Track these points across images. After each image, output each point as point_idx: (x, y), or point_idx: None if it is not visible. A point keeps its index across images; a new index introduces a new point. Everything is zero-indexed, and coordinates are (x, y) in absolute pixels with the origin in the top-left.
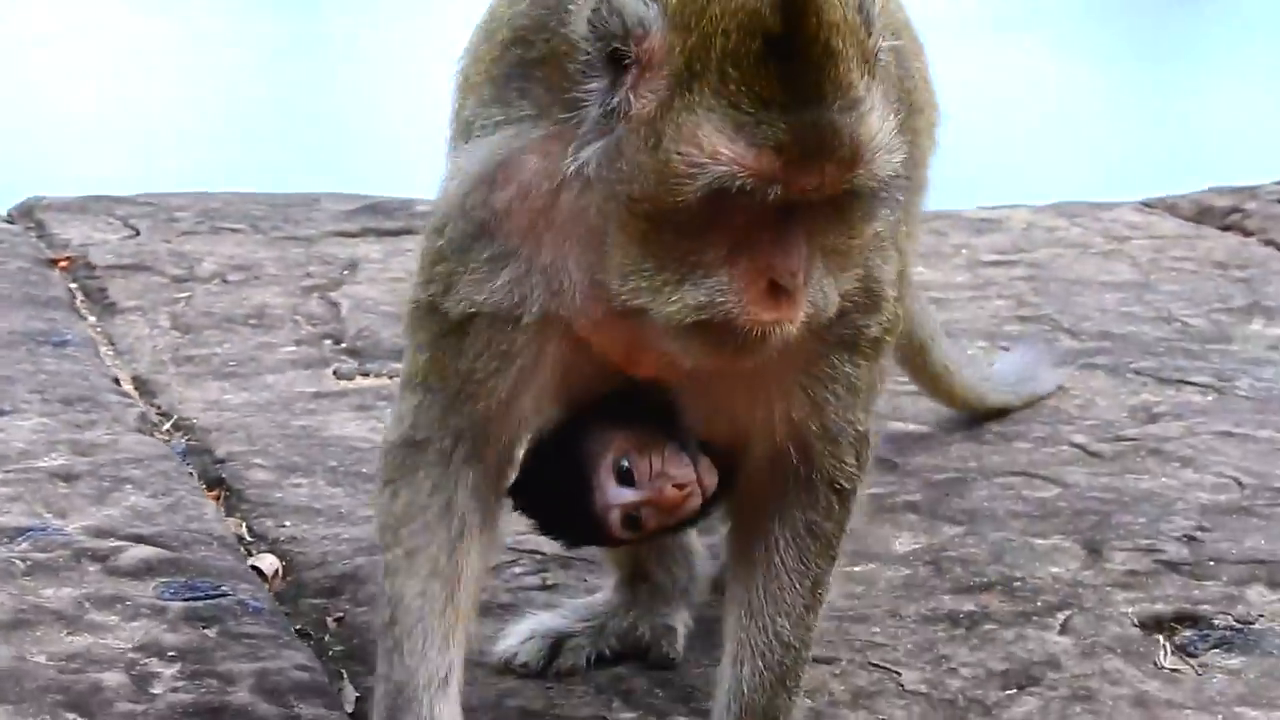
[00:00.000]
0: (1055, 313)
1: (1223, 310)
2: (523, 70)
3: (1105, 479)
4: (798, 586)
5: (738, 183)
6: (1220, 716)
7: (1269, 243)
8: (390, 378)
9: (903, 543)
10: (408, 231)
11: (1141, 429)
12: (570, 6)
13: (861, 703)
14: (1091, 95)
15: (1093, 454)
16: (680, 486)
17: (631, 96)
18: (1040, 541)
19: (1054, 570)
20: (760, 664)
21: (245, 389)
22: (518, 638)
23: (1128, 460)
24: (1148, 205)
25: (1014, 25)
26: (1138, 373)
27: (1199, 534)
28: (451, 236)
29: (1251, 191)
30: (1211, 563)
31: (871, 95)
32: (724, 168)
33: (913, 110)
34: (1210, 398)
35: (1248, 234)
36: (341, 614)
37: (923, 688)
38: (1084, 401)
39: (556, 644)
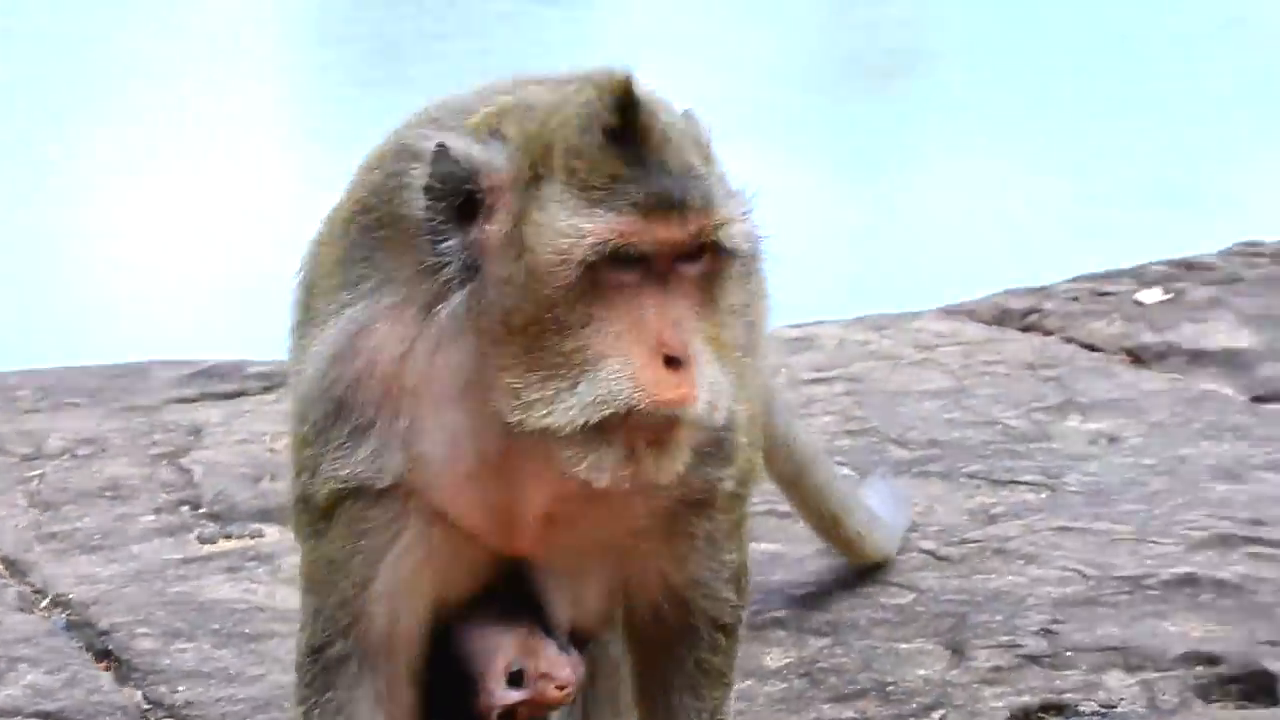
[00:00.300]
0: (881, 425)
1: (1039, 409)
2: (367, 240)
3: (957, 581)
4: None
5: (608, 249)
6: None
7: (1069, 340)
8: (252, 538)
9: (773, 658)
10: (243, 393)
11: (983, 530)
12: (411, 170)
13: None
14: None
15: (941, 558)
16: (561, 686)
17: (486, 229)
18: (905, 646)
19: (921, 673)
20: None
21: (114, 560)
22: None
23: (974, 561)
24: (948, 312)
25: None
26: (970, 476)
27: (1054, 626)
28: (314, 420)
29: (1046, 291)
30: (1069, 653)
31: (713, 174)
32: (590, 239)
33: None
34: (1043, 495)
35: (1048, 333)
36: None
37: None
38: (924, 509)
39: None
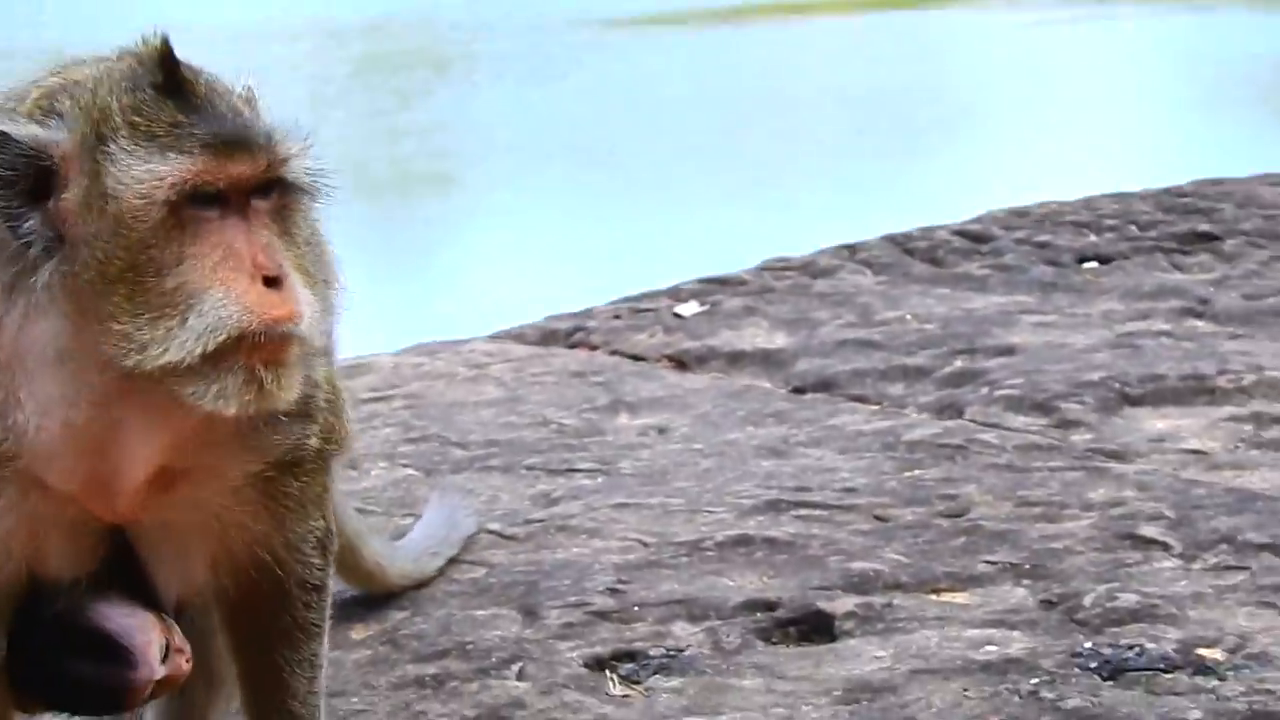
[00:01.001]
0: (440, 431)
1: (590, 410)
2: None
3: (524, 555)
4: (299, 671)
5: (188, 187)
6: None
7: (615, 352)
8: None
9: (356, 631)
10: None
11: (546, 511)
12: None
13: None
14: None
15: (508, 537)
16: (189, 660)
17: (64, 198)
18: (481, 612)
19: (498, 633)
20: None
21: None
22: None
23: (540, 539)
24: (495, 337)
25: None
26: (529, 468)
27: (620, 586)
28: None
29: (589, 313)
30: (636, 608)
31: (267, 116)
32: (169, 179)
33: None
34: (599, 480)
35: (593, 348)
36: None
37: None
38: (489, 497)
39: None
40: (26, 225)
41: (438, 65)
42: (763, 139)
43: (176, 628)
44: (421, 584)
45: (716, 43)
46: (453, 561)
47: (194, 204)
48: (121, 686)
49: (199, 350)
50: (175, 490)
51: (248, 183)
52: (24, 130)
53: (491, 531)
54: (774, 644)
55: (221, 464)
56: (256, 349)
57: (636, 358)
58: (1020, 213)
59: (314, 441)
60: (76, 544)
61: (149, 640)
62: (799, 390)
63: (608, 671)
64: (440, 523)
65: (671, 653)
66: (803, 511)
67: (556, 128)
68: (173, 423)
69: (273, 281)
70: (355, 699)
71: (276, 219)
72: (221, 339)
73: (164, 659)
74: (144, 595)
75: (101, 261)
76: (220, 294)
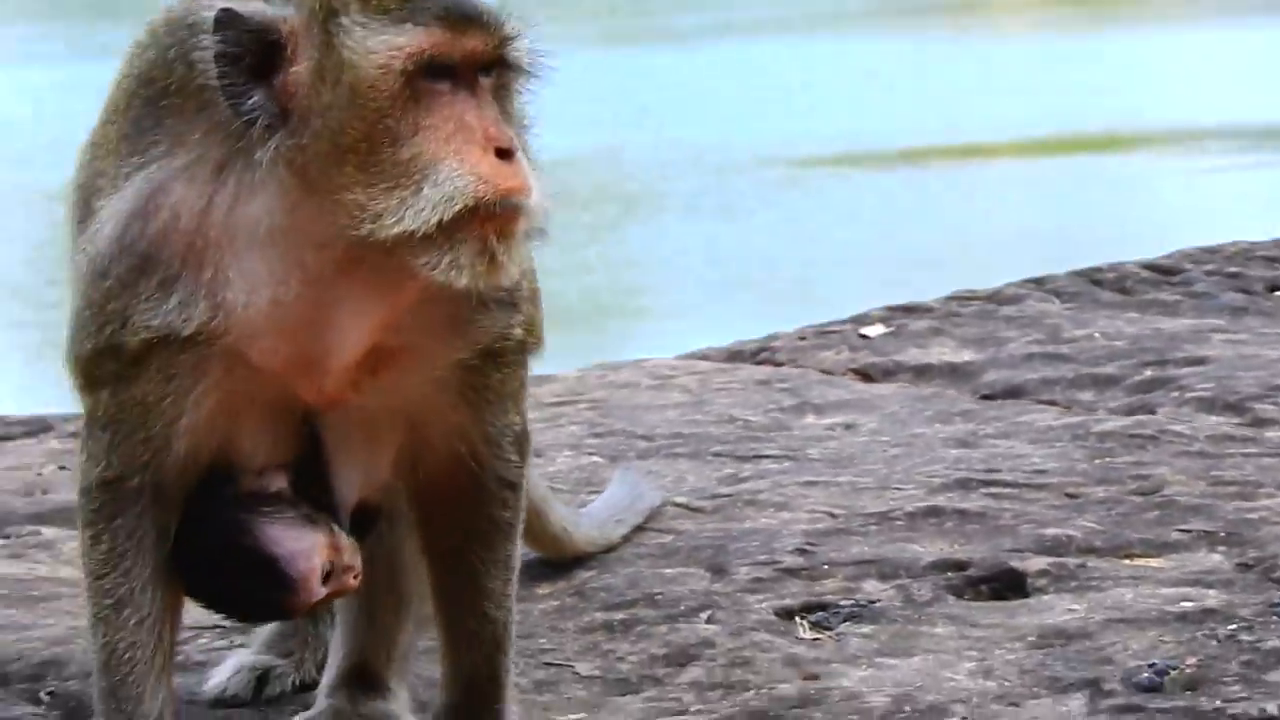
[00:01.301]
0: (627, 426)
1: (777, 410)
2: (152, 112)
3: (712, 525)
4: (493, 571)
5: (424, 58)
6: (864, 665)
7: (799, 365)
8: (31, 535)
9: (543, 587)
10: (4, 439)
11: (733, 488)
12: (196, 40)
13: (545, 689)
14: None
15: (695, 509)
16: (357, 576)
17: (291, 72)
18: (669, 570)
19: (687, 587)
20: (475, 640)
21: None
22: (226, 673)
23: (728, 511)
24: (680, 357)
25: None
26: (716, 454)
27: (808, 548)
28: (117, 275)
29: (774, 337)
30: (826, 566)
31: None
32: (407, 49)
33: None
34: (786, 464)
35: (779, 364)
36: (52, 689)
37: (596, 673)
38: (675, 478)
39: (263, 675)
40: (251, 101)
41: (628, 202)
42: (946, 277)
43: (346, 544)
44: (606, 550)
45: (899, 181)
46: (638, 530)
47: (427, 76)
48: (278, 606)
49: (435, 219)
50: (382, 374)
51: (478, 59)
52: (251, 7)
53: (678, 504)
54: (965, 599)
55: (431, 348)
56: (490, 220)
57: (822, 370)
58: (1211, 250)
59: (518, 332)
60: (271, 429)
61: (312, 567)
62: (987, 397)
63: (798, 619)
64: (625, 494)
65: (862, 604)
66: (993, 489)
67: (745, 263)
68: (390, 300)
69: (504, 154)
70: (543, 640)
71: (497, 98)
72: (458, 208)
73: (327, 579)
74: (323, 499)
75: (335, 132)
76: (456, 164)
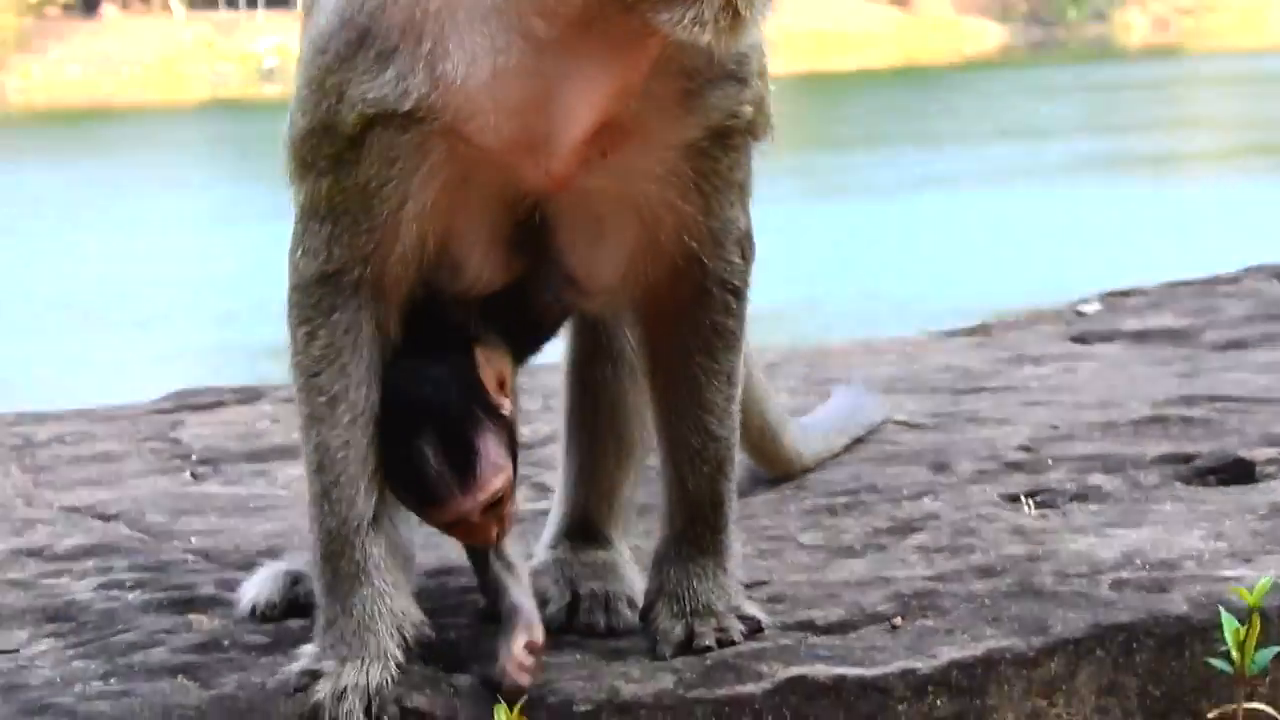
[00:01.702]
0: (841, 377)
1: (994, 361)
2: None
3: (934, 436)
4: (715, 383)
5: None
6: (1091, 534)
7: (1015, 332)
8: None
9: (759, 493)
10: (220, 404)
11: (955, 408)
12: None
13: (768, 556)
14: None
15: (916, 426)
16: (502, 530)
17: None
18: (890, 469)
19: (910, 479)
20: (698, 460)
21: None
22: (256, 586)
23: (949, 426)
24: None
25: None
26: (935, 390)
27: (1031, 446)
28: (336, 49)
29: (985, 324)
30: (1050, 461)
31: None
32: None
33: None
34: (1005, 393)
35: (988, 335)
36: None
37: (820, 542)
38: (894, 405)
39: (296, 577)
40: None
41: None
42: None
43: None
44: (825, 461)
45: None
46: (857, 442)
47: None
48: (440, 497)
49: None
50: (611, 155)
51: None
52: None
53: (899, 421)
54: (1193, 485)
55: (661, 124)
56: None
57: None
58: None
59: (748, 109)
60: (494, 219)
61: (493, 487)
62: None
63: (1022, 498)
64: (846, 407)
65: (1087, 490)
66: (1217, 403)
67: None
68: (622, 69)
69: None
70: (764, 520)
71: None
72: None
73: (489, 509)
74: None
75: None
76: None
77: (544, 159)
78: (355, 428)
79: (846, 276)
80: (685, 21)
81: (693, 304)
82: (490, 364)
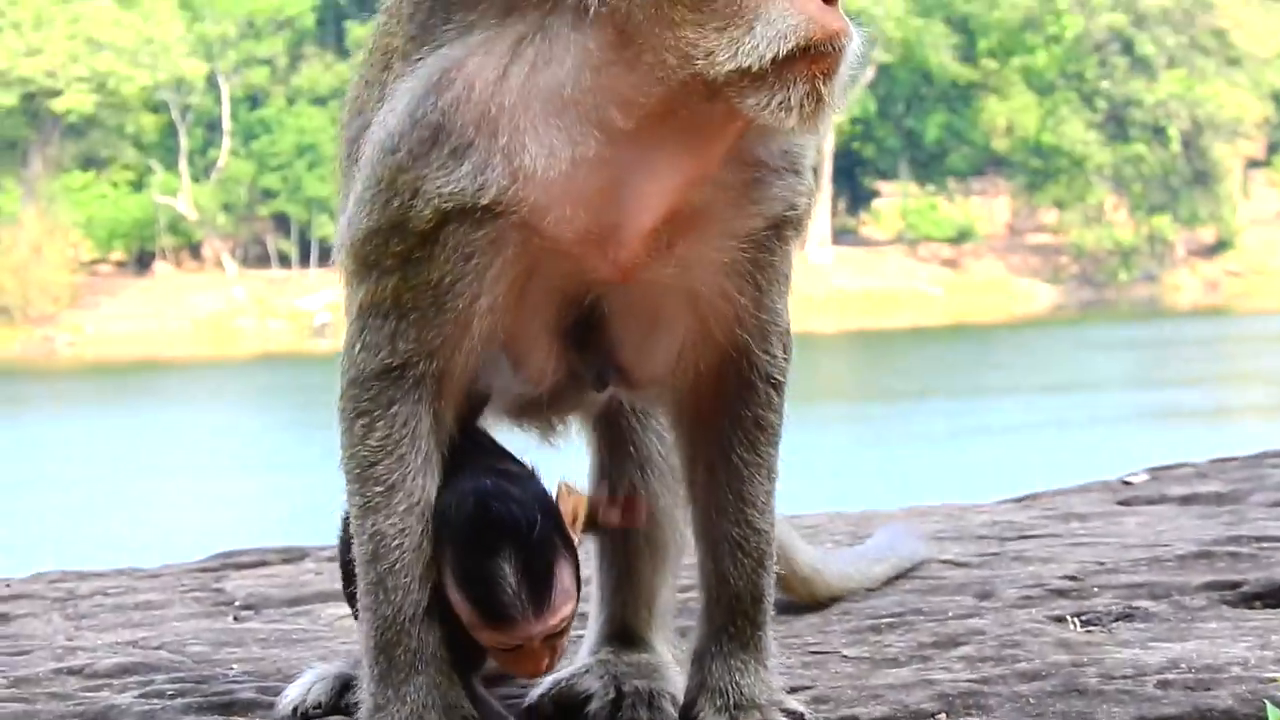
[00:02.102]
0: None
1: (1039, 518)
2: (441, 7)
3: (979, 572)
4: (757, 476)
5: None
6: (1136, 648)
7: (1061, 497)
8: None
9: (806, 612)
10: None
11: (1000, 549)
12: None
13: (812, 667)
14: None
15: (961, 564)
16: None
17: None
18: (935, 597)
19: (955, 606)
20: (739, 553)
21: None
22: (304, 685)
23: (994, 564)
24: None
25: None
26: (979, 537)
27: (1078, 576)
28: (408, 148)
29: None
30: (1096, 589)
31: None
32: None
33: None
34: (1049, 538)
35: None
36: None
37: (865, 654)
38: (939, 549)
39: (346, 682)
40: None
41: None
42: None
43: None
44: (862, 589)
45: None
46: (899, 577)
47: None
48: (508, 620)
49: (769, 56)
50: (677, 245)
51: None
52: None
53: (944, 560)
54: (1239, 609)
55: (728, 214)
56: (817, 60)
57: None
58: None
59: (804, 200)
60: (556, 312)
61: (561, 615)
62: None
63: (1068, 618)
64: (887, 541)
65: (1133, 610)
66: (1267, 543)
67: None
68: (696, 158)
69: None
70: (809, 638)
71: None
72: (790, 46)
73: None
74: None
75: None
76: (786, 4)
77: (613, 249)
78: (411, 516)
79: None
80: (772, 106)
81: (736, 397)
82: (570, 495)
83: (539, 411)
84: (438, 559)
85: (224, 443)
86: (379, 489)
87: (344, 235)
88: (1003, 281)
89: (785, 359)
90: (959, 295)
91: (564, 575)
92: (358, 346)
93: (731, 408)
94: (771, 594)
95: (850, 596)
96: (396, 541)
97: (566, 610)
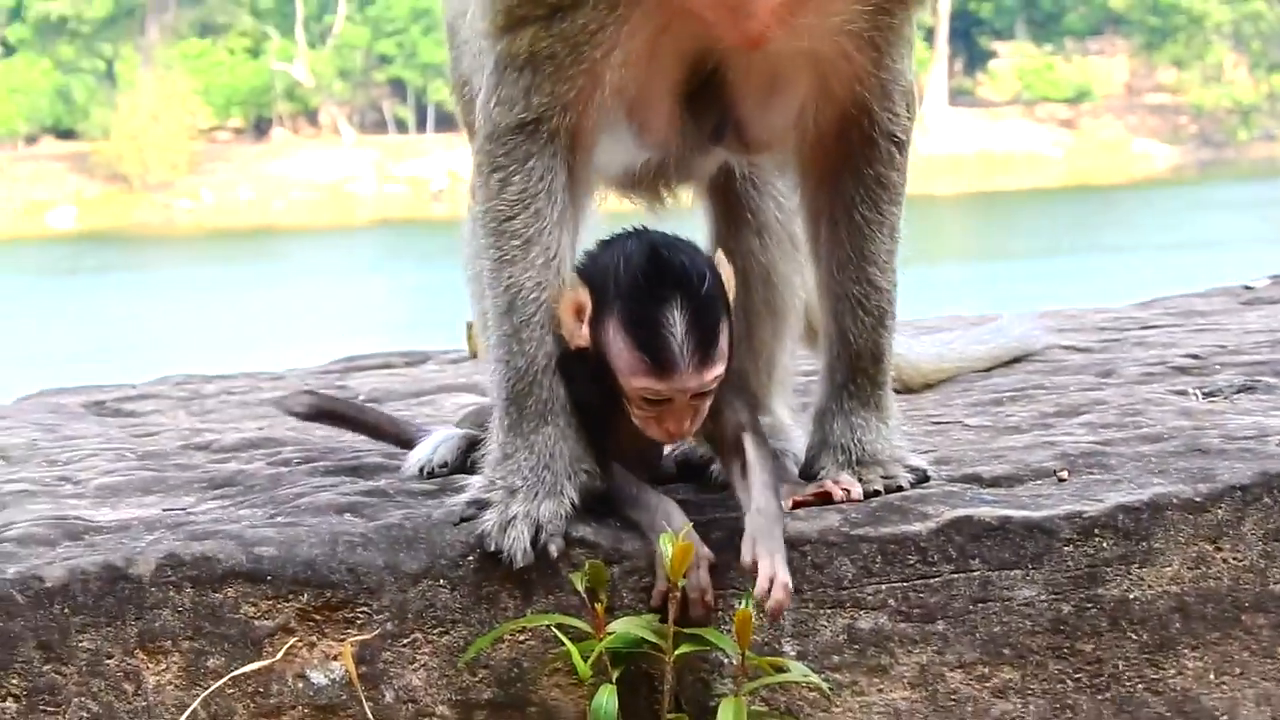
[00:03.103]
0: None
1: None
2: None
3: (1099, 355)
4: (879, 235)
5: None
6: (1258, 415)
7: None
8: None
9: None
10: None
11: (1120, 335)
12: None
13: (934, 434)
14: None
15: (1082, 349)
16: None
17: None
18: (1057, 377)
19: (1077, 382)
20: (860, 310)
21: None
22: (428, 448)
23: (1114, 348)
24: None
25: None
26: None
27: (1200, 355)
28: None
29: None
30: (1218, 366)
31: None
32: None
33: None
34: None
35: None
36: None
37: (987, 423)
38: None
39: (474, 441)
40: None
41: None
42: None
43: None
44: (957, 373)
45: None
46: (1016, 361)
47: None
48: (671, 366)
49: None
50: (801, 13)
51: None
52: None
53: (1066, 346)
54: None
55: None
56: None
57: None
58: None
59: None
60: (682, 73)
61: (718, 369)
62: None
63: (1190, 390)
64: (998, 326)
65: (1255, 384)
66: None
67: None
68: None
69: None
70: (930, 410)
71: None
72: None
73: (702, 397)
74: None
75: None
76: None
77: (742, 20)
78: (549, 270)
79: None
80: None
81: (859, 154)
82: (727, 267)
83: (651, 180)
84: (599, 312)
85: (344, 308)
86: (516, 243)
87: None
88: (1121, 142)
89: (908, 117)
90: (1077, 156)
91: (724, 334)
92: (493, 102)
93: (854, 165)
94: (891, 354)
95: (963, 377)
96: (534, 295)
97: (719, 369)
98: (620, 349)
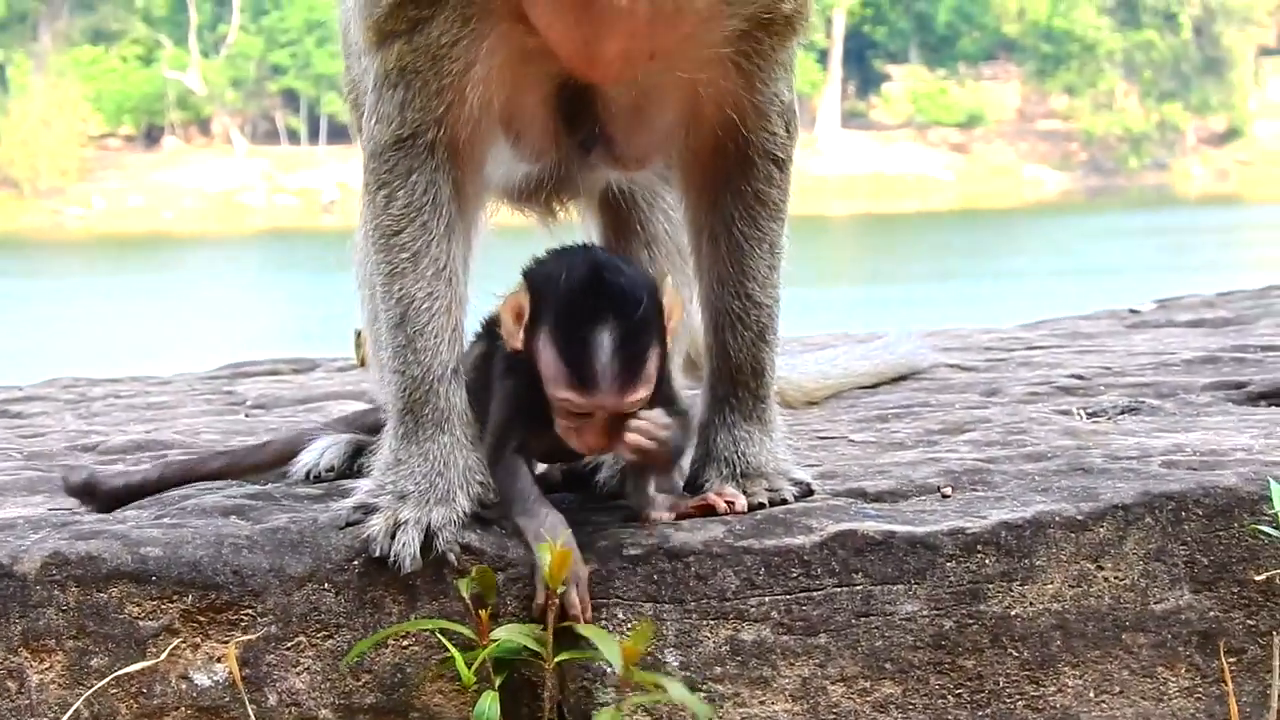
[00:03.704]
0: None
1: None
2: None
3: (985, 376)
4: (758, 250)
5: None
6: (1142, 436)
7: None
8: None
9: (813, 408)
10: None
11: (1006, 355)
12: None
13: (819, 449)
14: None
15: (968, 368)
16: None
17: None
18: (943, 396)
19: (962, 400)
20: (740, 325)
21: None
22: (315, 452)
23: (1000, 368)
24: None
25: None
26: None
27: (1084, 376)
28: None
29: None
30: (1103, 387)
31: None
32: None
33: None
34: (1054, 351)
35: None
36: None
37: (872, 439)
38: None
39: (358, 448)
40: None
41: None
42: None
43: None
44: (841, 390)
45: None
46: (902, 379)
47: None
48: (594, 385)
49: None
50: (658, 58)
51: None
52: None
53: (952, 365)
54: (1244, 406)
55: (704, 24)
56: None
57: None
58: None
59: (787, 6)
60: (549, 92)
61: (642, 393)
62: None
63: (1074, 410)
64: (884, 343)
65: (1138, 405)
66: (1274, 352)
67: None
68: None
69: None
70: (816, 426)
71: None
72: None
73: (623, 419)
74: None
75: None
76: None
77: (594, 61)
78: (440, 280)
79: None
80: None
81: (736, 172)
82: (673, 296)
83: (538, 193)
84: (535, 317)
85: (233, 316)
86: (405, 255)
87: (361, 15)
88: (1012, 167)
89: (788, 137)
90: (968, 181)
91: (652, 361)
92: (374, 119)
93: (733, 183)
94: (773, 369)
95: (849, 394)
96: (426, 305)
97: (643, 393)
98: (548, 358)
